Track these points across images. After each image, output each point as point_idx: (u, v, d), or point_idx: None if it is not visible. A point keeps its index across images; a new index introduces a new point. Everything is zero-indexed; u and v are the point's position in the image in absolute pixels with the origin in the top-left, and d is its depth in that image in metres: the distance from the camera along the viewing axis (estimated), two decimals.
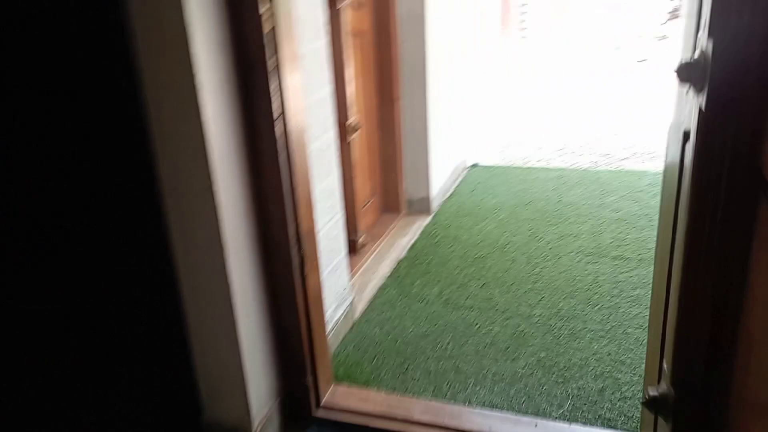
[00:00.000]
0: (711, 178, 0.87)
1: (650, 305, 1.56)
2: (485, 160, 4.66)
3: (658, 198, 3.55)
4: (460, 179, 4.08)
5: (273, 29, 1.56)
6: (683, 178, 1.24)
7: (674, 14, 10.39)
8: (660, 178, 3.87)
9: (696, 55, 0.86)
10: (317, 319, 1.90)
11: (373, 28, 3.18)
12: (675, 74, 0.89)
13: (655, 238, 3.08)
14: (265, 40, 1.55)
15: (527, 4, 12.09)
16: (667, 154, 1.46)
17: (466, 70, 4.15)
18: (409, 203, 3.57)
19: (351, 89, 2.74)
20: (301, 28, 1.92)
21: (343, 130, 2.73)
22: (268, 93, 1.59)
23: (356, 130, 2.84)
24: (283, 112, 1.64)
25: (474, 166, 4.33)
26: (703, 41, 0.86)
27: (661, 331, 1.35)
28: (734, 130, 0.83)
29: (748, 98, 0.81)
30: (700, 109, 0.86)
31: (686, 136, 1.24)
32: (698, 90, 0.86)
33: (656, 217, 3.31)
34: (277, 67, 1.60)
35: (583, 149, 5.87)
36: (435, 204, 3.60)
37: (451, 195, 3.83)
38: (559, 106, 7.54)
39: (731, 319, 0.89)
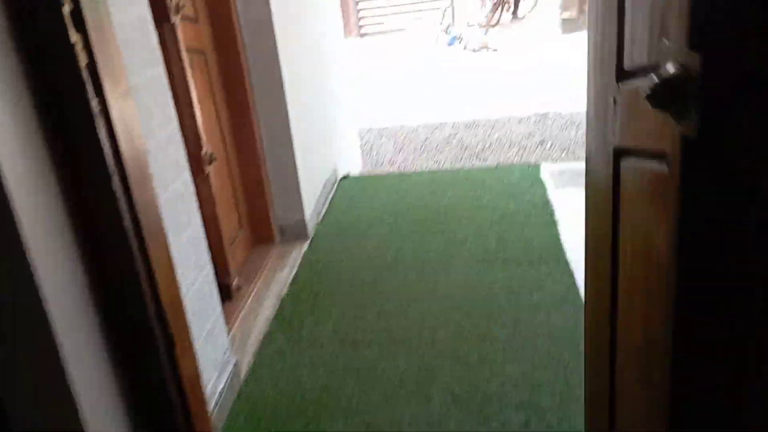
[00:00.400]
0: (707, 219, 0.69)
1: (585, 345, 1.41)
2: (354, 170, 4.45)
3: (532, 192, 3.54)
4: (332, 195, 3.83)
5: (91, 62, 1.20)
6: (621, 198, 1.09)
7: (499, 3, 10.84)
8: (530, 171, 3.88)
9: (670, 72, 0.67)
10: (198, 409, 1.55)
11: (214, 43, 2.82)
12: (648, 100, 0.69)
13: (536, 237, 3.05)
14: (83, 78, 1.18)
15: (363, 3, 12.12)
16: (591, 172, 1.31)
17: (320, 78, 3.90)
18: (282, 230, 3.25)
19: (199, 116, 2.38)
20: (129, 54, 1.55)
21: (198, 165, 2.36)
22: (96, 144, 1.22)
23: (212, 161, 2.48)
24: (118, 165, 1.28)
25: (345, 177, 4.10)
26: (679, 53, 0.67)
27: (608, 376, 1.20)
28: (734, 161, 0.66)
29: (750, 121, 0.64)
30: (684, 139, 0.67)
31: (619, 153, 1.09)
32: (680, 116, 0.67)
33: (534, 212, 3.29)
34: (104, 110, 1.24)
35: (441, 145, 5.87)
36: (311, 227, 3.32)
37: (326, 213, 3.57)
38: (409, 102, 7.53)
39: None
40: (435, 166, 5.34)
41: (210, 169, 2.45)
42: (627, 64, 1.05)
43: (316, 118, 3.69)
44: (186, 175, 1.91)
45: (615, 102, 1.13)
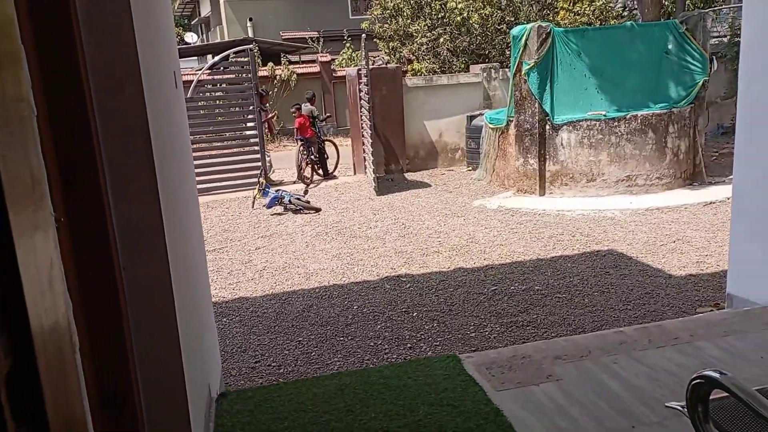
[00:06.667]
0: None
1: None
2: (234, 380, 3.48)
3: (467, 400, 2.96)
4: (211, 425, 2.83)
5: None
6: None
7: (309, 162, 10.65)
8: (449, 365, 3.31)
9: None
10: None
11: None
12: None
13: None
14: None
15: None
16: None
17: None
18: None
19: None
20: None
21: None
22: None
23: None
24: None
25: (223, 396, 3.12)
26: None
27: None
28: None
29: None
30: None
31: None
32: None
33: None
34: None
35: (298, 321, 5.11)
36: None
37: None
38: (237, 269, 6.72)
39: None
40: (302, 349, 4.55)
41: None
42: None
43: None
44: None
45: None
